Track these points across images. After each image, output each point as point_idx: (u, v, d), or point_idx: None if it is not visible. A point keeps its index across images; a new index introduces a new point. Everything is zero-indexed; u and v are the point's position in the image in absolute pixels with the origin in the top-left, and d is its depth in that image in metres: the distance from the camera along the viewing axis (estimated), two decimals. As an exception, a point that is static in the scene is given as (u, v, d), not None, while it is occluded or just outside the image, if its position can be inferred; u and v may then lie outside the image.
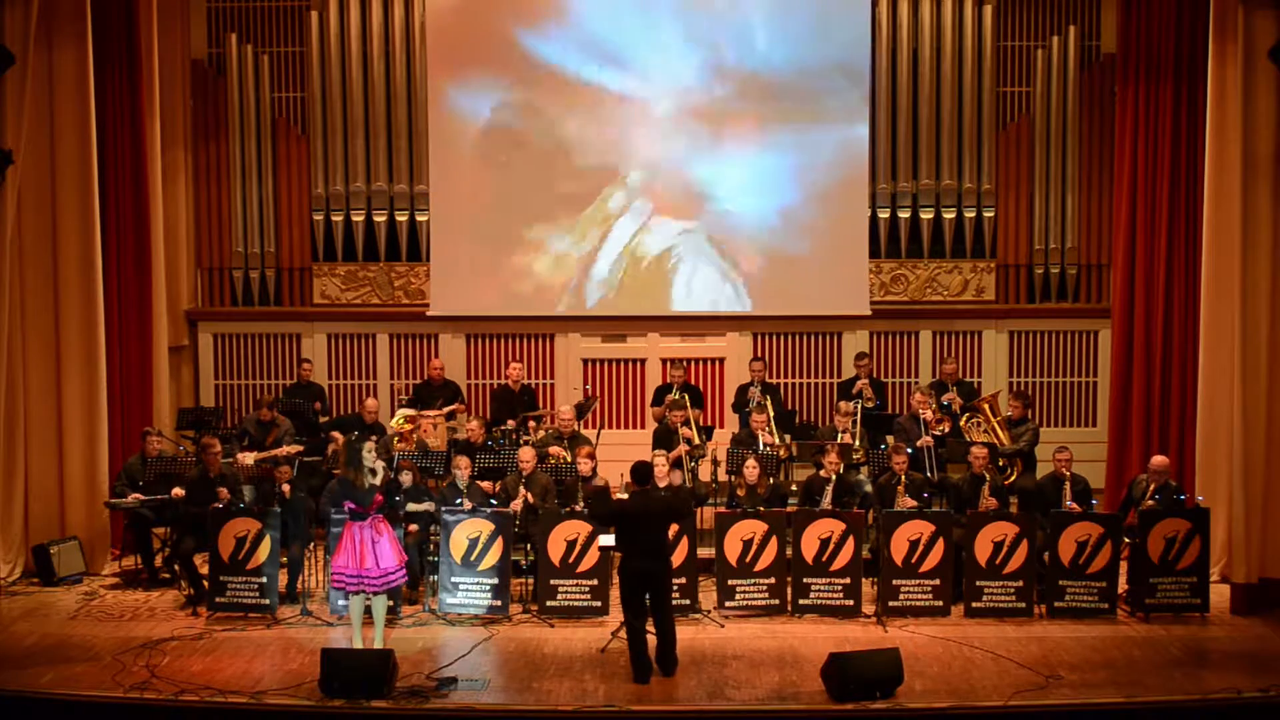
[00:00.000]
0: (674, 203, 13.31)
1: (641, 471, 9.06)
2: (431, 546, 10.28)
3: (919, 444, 11.26)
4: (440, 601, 10.01)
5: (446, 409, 12.71)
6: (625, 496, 9.29)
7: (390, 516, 9.28)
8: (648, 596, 8.78)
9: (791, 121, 13.17)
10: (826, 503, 10.37)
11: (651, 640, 8.83)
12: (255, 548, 9.92)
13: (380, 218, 13.60)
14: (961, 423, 11.73)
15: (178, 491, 10.69)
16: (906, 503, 10.31)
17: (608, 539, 9.52)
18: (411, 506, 9.87)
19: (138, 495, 10.83)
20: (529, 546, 10.28)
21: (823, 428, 12.35)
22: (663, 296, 13.38)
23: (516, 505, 10.29)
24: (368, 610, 9.19)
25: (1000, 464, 11.13)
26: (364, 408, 12.31)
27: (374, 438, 9.34)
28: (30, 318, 11.04)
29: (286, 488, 10.36)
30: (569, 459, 11.13)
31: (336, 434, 11.85)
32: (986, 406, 11.73)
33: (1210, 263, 10.69)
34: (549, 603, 9.95)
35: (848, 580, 9.98)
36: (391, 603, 9.44)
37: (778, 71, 13.14)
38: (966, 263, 13.49)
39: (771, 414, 11.67)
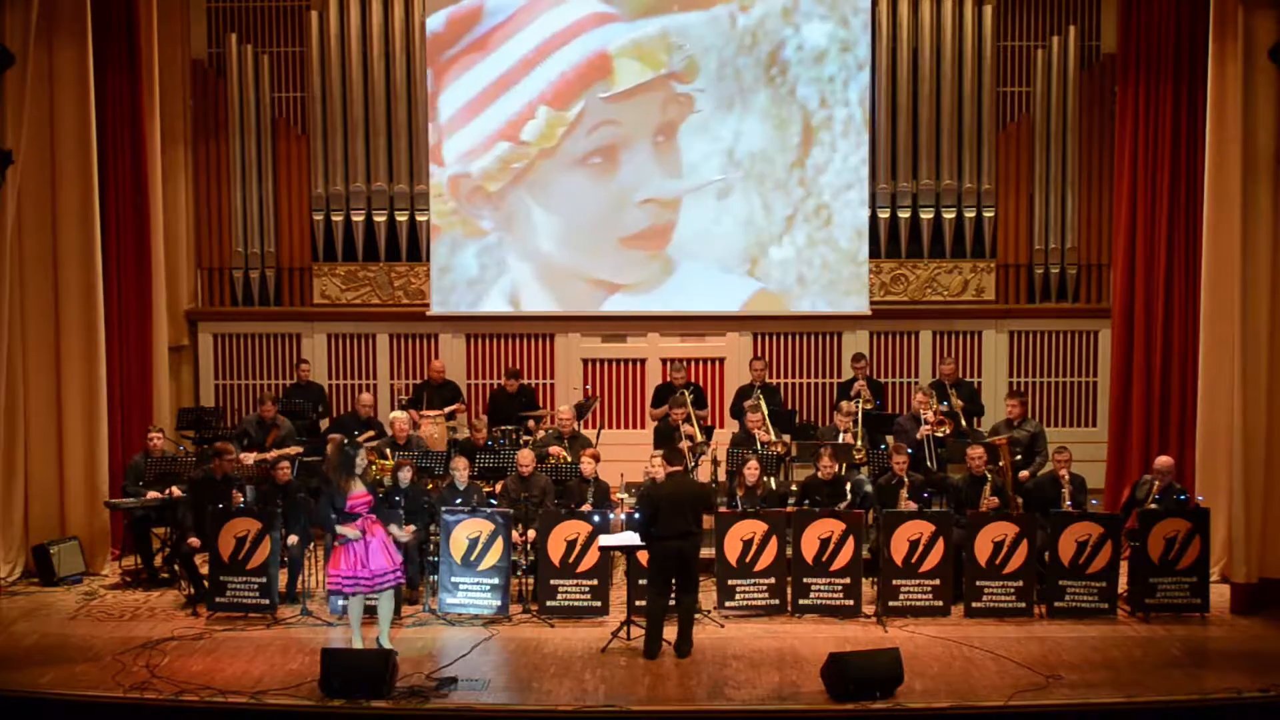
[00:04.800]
0: (673, 201, 13.30)
1: (674, 455, 9.50)
2: (431, 546, 10.28)
3: (918, 435, 11.30)
4: (440, 601, 10.01)
5: (447, 409, 12.72)
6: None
7: (388, 516, 9.31)
8: (676, 576, 9.13)
9: (792, 121, 13.18)
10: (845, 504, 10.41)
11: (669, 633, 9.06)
12: (255, 548, 9.92)
13: (380, 218, 13.60)
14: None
15: (174, 490, 10.71)
16: (907, 503, 10.31)
17: (608, 539, 9.55)
18: (394, 530, 9.54)
19: (155, 493, 10.81)
20: (529, 546, 10.28)
21: (823, 428, 12.35)
22: (662, 295, 13.38)
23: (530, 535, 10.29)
24: (369, 610, 9.20)
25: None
26: (358, 403, 12.32)
27: (367, 448, 9.32)
28: (30, 318, 11.04)
29: (285, 468, 10.50)
30: (569, 459, 11.14)
31: (335, 436, 11.86)
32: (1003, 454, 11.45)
33: (1210, 263, 10.69)
34: (549, 603, 9.96)
35: (848, 580, 9.98)
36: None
37: (778, 71, 13.15)
38: (966, 263, 13.49)
39: (765, 411, 11.66)
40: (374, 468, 10.62)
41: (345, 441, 9.25)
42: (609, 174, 13.25)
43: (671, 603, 9.20)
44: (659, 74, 13.15)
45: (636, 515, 9.49)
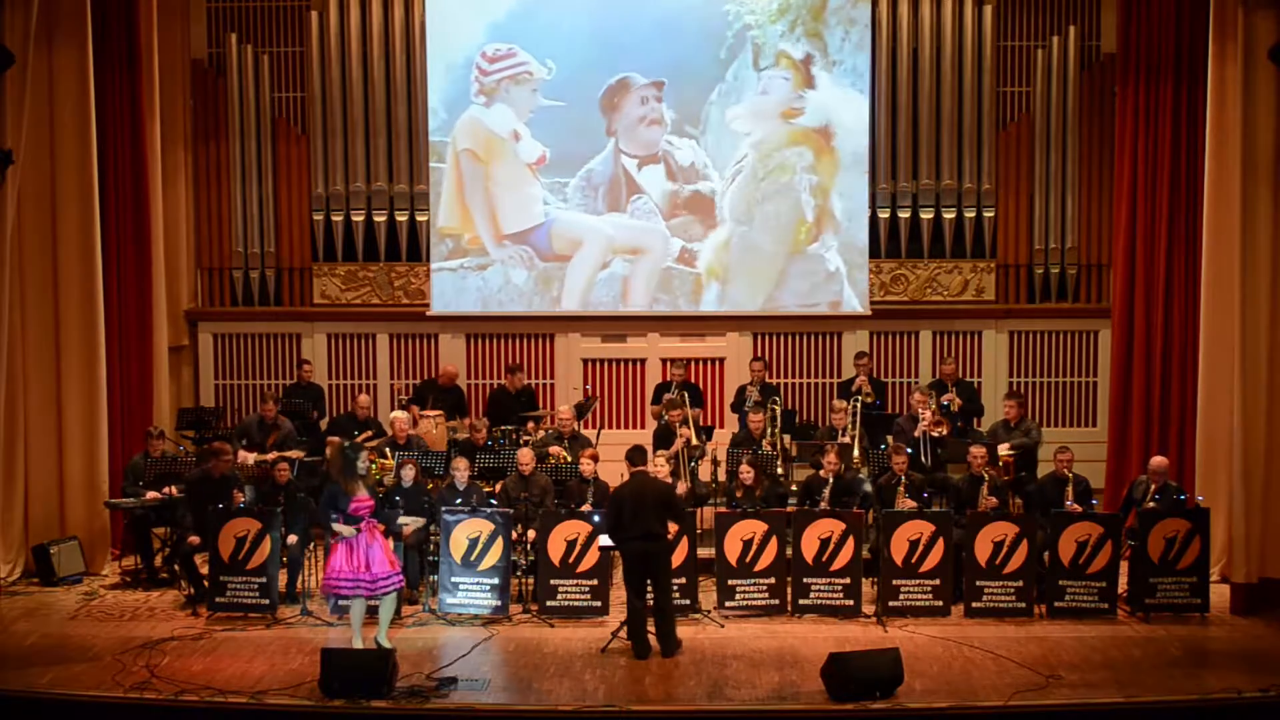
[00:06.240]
0: (673, 202, 13.30)
1: (637, 455, 9.43)
2: (431, 546, 10.28)
3: (915, 433, 11.31)
4: (440, 601, 10.00)
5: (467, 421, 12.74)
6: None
7: (386, 520, 9.32)
8: (648, 577, 9.16)
9: (791, 121, 13.18)
10: (825, 503, 10.38)
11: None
12: (255, 548, 9.92)
13: (380, 218, 13.60)
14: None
15: (172, 490, 10.72)
16: (906, 503, 10.31)
17: (608, 539, 9.55)
18: (402, 520, 9.82)
19: (154, 493, 10.82)
20: (529, 546, 10.28)
21: (822, 428, 12.35)
22: (663, 296, 13.38)
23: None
24: (370, 610, 9.19)
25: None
26: (356, 404, 12.32)
27: (368, 449, 9.33)
28: (30, 317, 11.04)
29: (285, 469, 10.49)
30: (569, 459, 11.14)
31: (334, 440, 11.86)
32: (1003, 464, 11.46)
33: (1210, 263, 10.69)
34: (549, 603, 9.95)
35: (848, 580, 9.98)
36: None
37: (778, 70, 13.16)
38: (966, 263, 13.49)
39: (778, 414, 11.63)
40: (374, 467, 10.62)
41: (345, 445, 9.25)
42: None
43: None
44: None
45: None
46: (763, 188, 13.25)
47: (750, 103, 13.19)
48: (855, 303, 13.28)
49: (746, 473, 10.57)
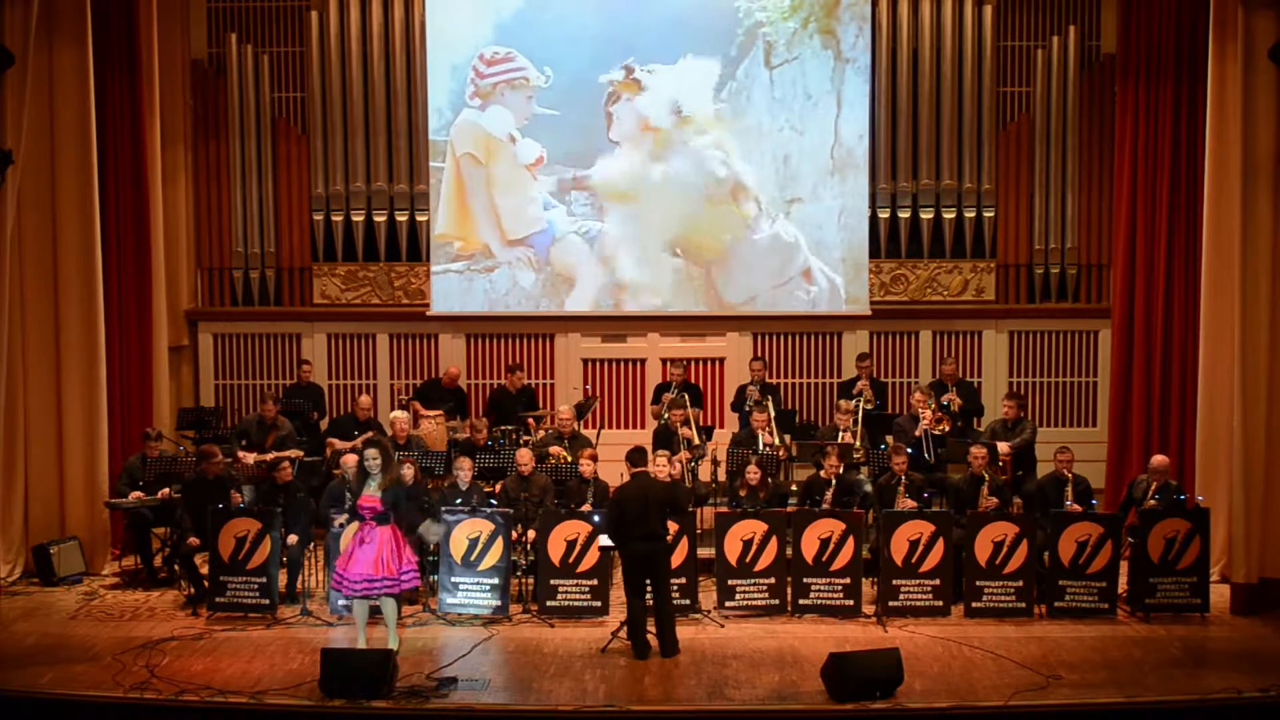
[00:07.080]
0: (673, 203, 13.31)
1: (638, 456, 9.43)
2: (432, 546, 10.28)
3: (916, 433, 11.32)
4: (440, 601, 10.01)
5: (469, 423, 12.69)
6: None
7: (399, 520, 9.30)
8: (648, 578, 9.14)
9: (791, 122, 13.18)
10: (827, 503, 10.38)
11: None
12: (255, 548, 9.92)
13: (380, 218, 13.60)
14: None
15: (165, 491, 10.72)
16: (906, 503, 10.31)
17: (608, 539, 9.55)
18: (426, 526, 9.77)
19: (139, 494, 10.84)
20: (529, 546, 10.28)
21: (823, 428, 12.36)
22: (663, 296, 13.39)
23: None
24: (374, 610, 9.18)
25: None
26: (357, 405, 12.32)
27: (375, 448, 9.31)
28: (30, 318, 11.04)
29: (287, 469, 10.48)
30: (569, 459, 11.14)
31: (334, 440, 11.87)
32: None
33: (1210, 263, 10.69)
34: (549, 603, 9.96)
35: (848, 580, 9.98)
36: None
37: (778, 71, 13.16)
38: (966, 263, 13.49)
39: (772, 414, 11.67)
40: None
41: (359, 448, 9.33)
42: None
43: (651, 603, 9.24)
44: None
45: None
46: (698, 187, 13.29)
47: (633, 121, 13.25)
48: (831, 279, 13.25)
49: (754, 473, 10.56)
